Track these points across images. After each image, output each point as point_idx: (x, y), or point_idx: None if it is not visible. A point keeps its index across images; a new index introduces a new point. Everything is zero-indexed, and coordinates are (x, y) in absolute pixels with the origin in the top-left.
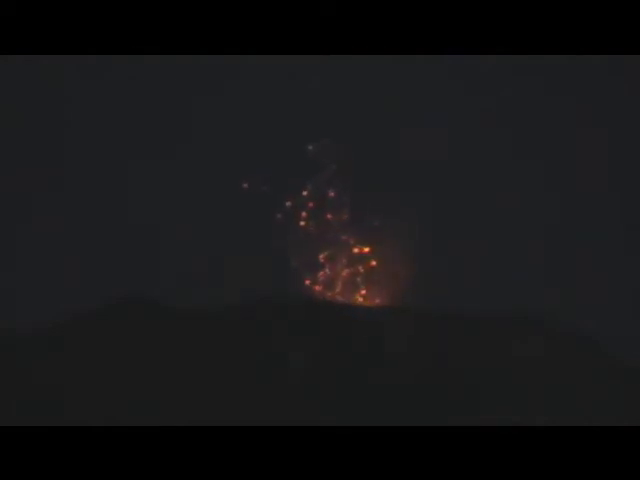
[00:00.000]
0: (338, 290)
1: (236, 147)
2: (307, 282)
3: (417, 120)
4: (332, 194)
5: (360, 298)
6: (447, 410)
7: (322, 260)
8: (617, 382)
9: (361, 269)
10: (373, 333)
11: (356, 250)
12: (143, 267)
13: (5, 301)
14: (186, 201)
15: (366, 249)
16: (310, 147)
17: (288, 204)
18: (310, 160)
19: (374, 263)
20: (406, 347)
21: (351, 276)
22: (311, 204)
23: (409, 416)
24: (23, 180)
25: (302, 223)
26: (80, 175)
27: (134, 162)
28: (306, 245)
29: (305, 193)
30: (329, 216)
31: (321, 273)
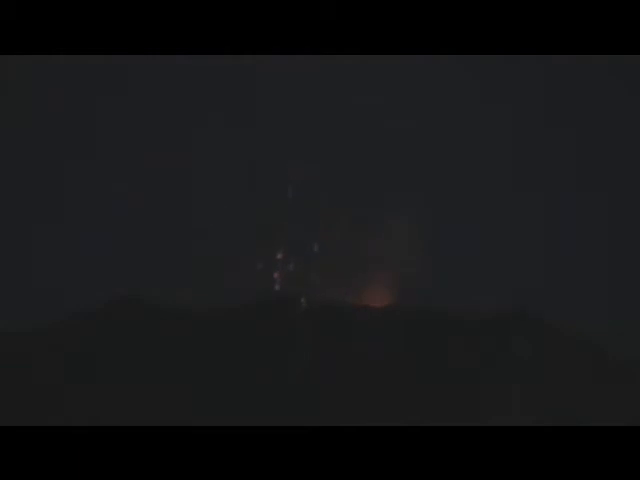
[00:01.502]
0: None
1: (233, 150)
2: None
3: (415, 121)
4: (317, 248)
5: (360, 298)
6: (447, 410)
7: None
8: (617, 382)
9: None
10: (373, 333)
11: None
12: (143, 267)
13: (5, 301)
14: (186, 202)
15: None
16: (290, 192)
17: (260, 267)
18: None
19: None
20: (406, 347)
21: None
22: (291, 266)
23: (409, 416)
24: (24, 181)
25: (277, 288)
26: (80, 176)
27: (134, 164)
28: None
29: (280, 256)
30: (313, 276)
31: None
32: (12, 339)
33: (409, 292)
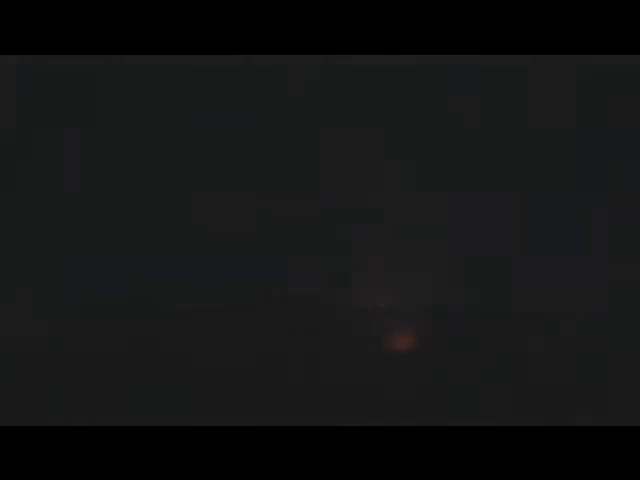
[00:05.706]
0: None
1: (233, 149)
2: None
3: (413, 123)
4: None
5: (362, 299)
6: (447, 410)
7: None
8: (617, 382)
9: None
10: (373, 333)
11: None
12: (143, 267)
13: (5, 301)
14: (185, 202)
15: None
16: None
17: (260, 267)
18: None
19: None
20: (406, 346)
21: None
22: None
23: (409, 416)
24: (22, 180)
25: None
26: (80, 176)
27: (134, 164)
28: None
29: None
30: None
31: None
32: (12, 339)
33: (410, 292)
